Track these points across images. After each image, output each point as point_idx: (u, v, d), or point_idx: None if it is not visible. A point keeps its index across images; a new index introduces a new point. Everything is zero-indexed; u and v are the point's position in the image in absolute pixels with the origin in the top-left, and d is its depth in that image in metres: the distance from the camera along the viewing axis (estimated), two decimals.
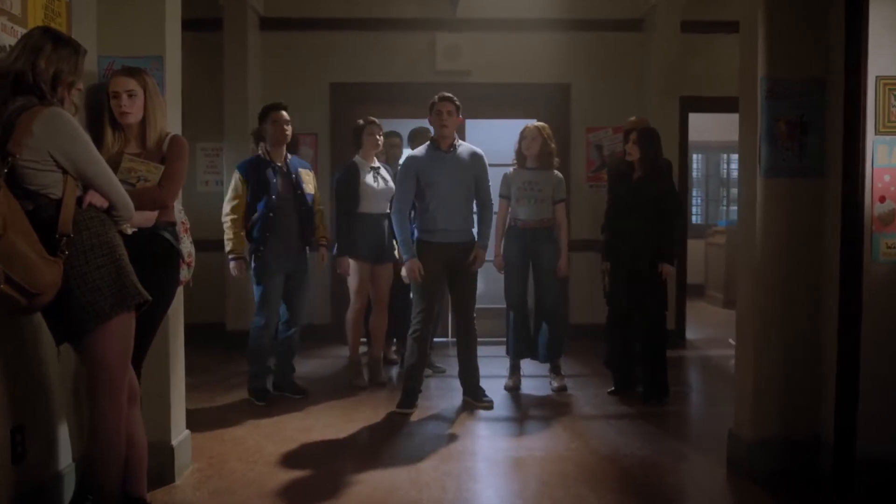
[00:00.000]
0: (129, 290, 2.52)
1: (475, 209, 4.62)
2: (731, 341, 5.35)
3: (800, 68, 3.32)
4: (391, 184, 5.04)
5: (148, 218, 2.90)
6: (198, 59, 6.33)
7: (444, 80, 6.23)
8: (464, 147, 4.55)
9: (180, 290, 3.28)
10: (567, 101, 6.72)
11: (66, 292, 2.41)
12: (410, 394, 4.50)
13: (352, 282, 5.05)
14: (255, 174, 4.59)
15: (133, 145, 3.00)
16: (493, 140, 6.52)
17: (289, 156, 4.75)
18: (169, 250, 2.98)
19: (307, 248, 4.76)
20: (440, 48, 6.59)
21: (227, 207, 4.64)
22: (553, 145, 4.99)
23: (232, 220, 4.60)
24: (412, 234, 4.56)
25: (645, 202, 4.59)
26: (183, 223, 3.20)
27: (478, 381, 4.66)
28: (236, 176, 4.65)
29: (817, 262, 3.32)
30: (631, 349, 4.84)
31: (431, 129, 4.65)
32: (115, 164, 2.89)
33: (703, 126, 8.24)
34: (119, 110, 2.93)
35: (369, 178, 5.02)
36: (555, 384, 5.00)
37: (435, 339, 5.55)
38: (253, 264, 4.62)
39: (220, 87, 6.34)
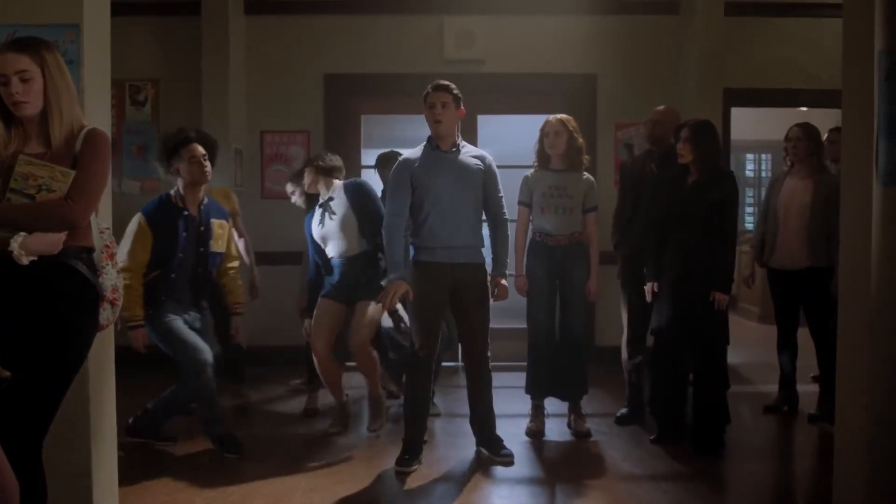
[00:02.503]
0: None
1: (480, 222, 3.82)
2: (814, 378, 4.65)
3: None
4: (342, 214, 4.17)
5: (51, 242, 2.14)
6: (172, 48, 5.83)
7: (454, 71, 5.48)
8: (469, 149, 3.78)
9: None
10: (593, 94, 6.00)
11: None
12: (412, 447, 3.71)
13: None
14: (164, 225, 3.73)
15: (34, 144, 2.23)
16: (510, 138, 6.01)
17: (206, 200, 3.89)
18: (81, 286, 2.21)
19: (200, 309, 3.94)
20: (449, 34, 5.90)
21: (125, 259, 3.64)
22: (581, 140, 4.22)
23: (131, 278, 3.61)
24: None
25: (700, 212, 3.81)
26: (107, 247, 2.42)
27: (494, 430, 3.87)
28: (140, 221, 3.75)
29: None
30: (681, 389, 4.05)
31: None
32: (8, 169, 2.12)
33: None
34: (10, 99, 2.16)
35: (315, 221, 4.28)
36: (577, 428, 4.23)
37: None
38: (149, 322, 3.74)
39: (199, 81, 5.64)
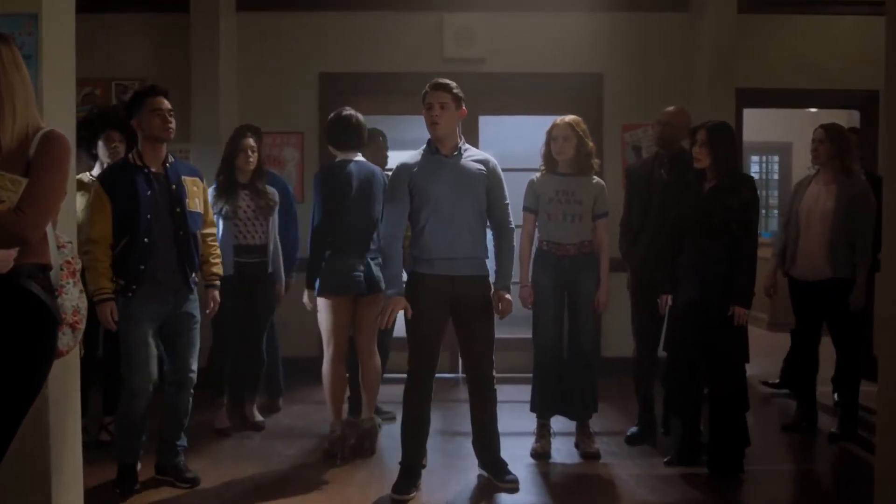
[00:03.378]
0: None
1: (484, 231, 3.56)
2: (836, 398, 4.42)
3: None
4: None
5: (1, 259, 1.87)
6: (161, 46, 5.63)
7: (454, 70, 5.21)
8: (472, 152, 3.53)
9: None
10: (599, 94, 5.77)
11: None
12: (410, 473, 3.46)
13: (322, 323, 3.96)
14: (121, 186, 3.34)
15: None
16: (512, 140, 5.88)
17: (171, 158, 3.50)
18: (36, 310, 1.95)
19: (190, 284, 3.50)
20: (449, 32, 5.67)
21: (85, 232, 3.40)
22: (591, 144, 3.97)
23: (95, 248, 3.31)
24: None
25: (719, 219, 3.57)
26: (68, 263, 2.16)
27: (498, 453, 3.61)
28: (94, 188, 3.45)
29: None
30: (697, 408, 3.80)
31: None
32: None
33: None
34: None
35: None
36: (586, 449, 3.98)
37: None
38: (123, 305, 3.35)
39: (188, 80, 5.41)
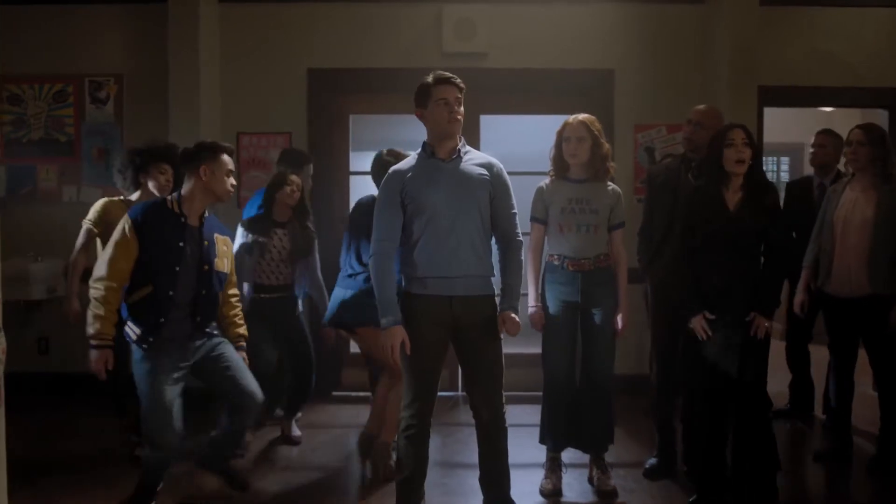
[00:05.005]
0: None
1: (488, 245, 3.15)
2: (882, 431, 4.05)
3: None
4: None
5: None
6: (137, 40, 5.34)
7: (454, 65, 4.75)
8: (473, 155, 3.10)
9: None
10: (610, 92, 5.42)
11: None
12: None
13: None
14: (155, 232, 3.15)
15: None
16: (515, 142, 5.57)
17: (206, 212, 3.35)
18: None
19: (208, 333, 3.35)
20: (448, 24, 5.33)
21: (102, 268, 3.12)
22: (607, 147, 3.58)
23: (107, 290, 3.09)
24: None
25: (750, 229, 3.24)
26: None
27: (508, 493, 3.18)
28: (125, 226, 3.15)
29: None
30: (723, 440, 3.39)
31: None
32: None
33: None
34: None
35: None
36: (601, 486, 3.59)
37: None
38: (140, 359, 3.16)
39: (167, 77, 5.08)
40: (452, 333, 3.02)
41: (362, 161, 4.70)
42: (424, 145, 3.08)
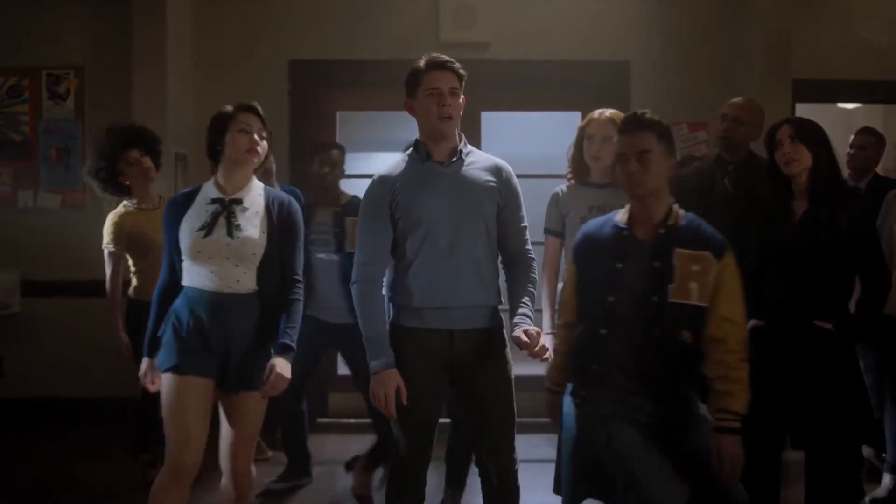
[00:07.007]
0: None
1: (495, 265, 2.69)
2: None
3: None
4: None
5: None
6: (100, 30, 5.26)
7: (452, 56, 4.51)
8: (477, 156, 2.64)
9: None
10: (625, 87, 5.26)
11: None
12: None
13: None
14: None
15: None
16: (519, 141, 5.61)
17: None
18: None
19: None
20: (446, 11, 5.18)
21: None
22: None
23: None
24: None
25: (820, 248, 2.78)
26: None
27: None
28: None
29: None
30: (776, 477, 2.98)
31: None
32: None
33: None
34: None
35: None
36: None
37: None
38: None
39: (131, 70, 4.90)
40: (452, 375, 2.54)
41: (352, 163, 4.43)
42: (417, 145, 2.59)
